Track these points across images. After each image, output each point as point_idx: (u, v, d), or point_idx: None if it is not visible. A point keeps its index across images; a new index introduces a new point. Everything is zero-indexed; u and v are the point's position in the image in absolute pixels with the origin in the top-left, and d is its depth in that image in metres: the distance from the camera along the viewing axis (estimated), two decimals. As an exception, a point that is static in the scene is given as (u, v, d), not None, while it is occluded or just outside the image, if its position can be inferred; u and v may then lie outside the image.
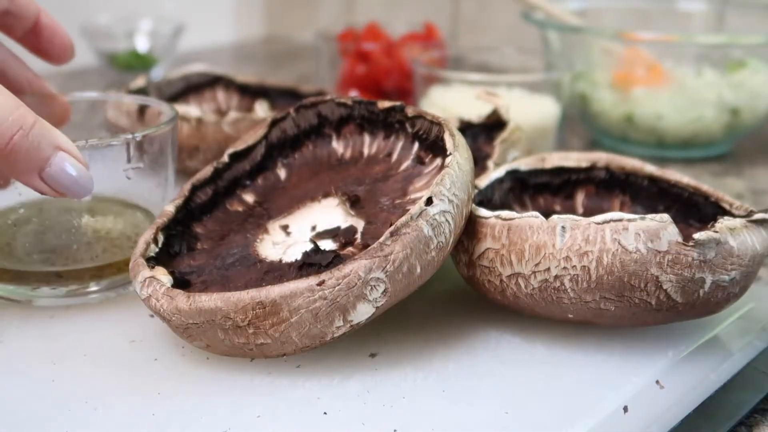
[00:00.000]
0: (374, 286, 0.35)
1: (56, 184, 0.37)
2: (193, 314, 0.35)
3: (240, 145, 0.47)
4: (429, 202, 0.36)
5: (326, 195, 0.44)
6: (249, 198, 0.47)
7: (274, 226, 0.44)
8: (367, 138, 0.47)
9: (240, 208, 0.46)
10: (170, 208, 0.44)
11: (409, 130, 0.44)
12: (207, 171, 0.46)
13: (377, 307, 0.35)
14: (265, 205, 0.46)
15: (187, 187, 0.46)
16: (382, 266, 0.35)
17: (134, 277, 0.39)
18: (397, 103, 0.45)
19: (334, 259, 0.38)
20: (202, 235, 0.45)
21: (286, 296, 0.34)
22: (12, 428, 0.34)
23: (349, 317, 0.35)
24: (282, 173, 0.48)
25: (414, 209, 0.36)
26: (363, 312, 0.35)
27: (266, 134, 0.48)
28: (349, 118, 0.47)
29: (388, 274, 0.35)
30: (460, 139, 0.41)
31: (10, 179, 0.43)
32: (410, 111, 0.44)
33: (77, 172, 0.37)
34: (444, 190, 0.37)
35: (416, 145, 0.44)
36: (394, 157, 0.45)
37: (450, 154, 0.39)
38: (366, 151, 0.46)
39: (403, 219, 0.35)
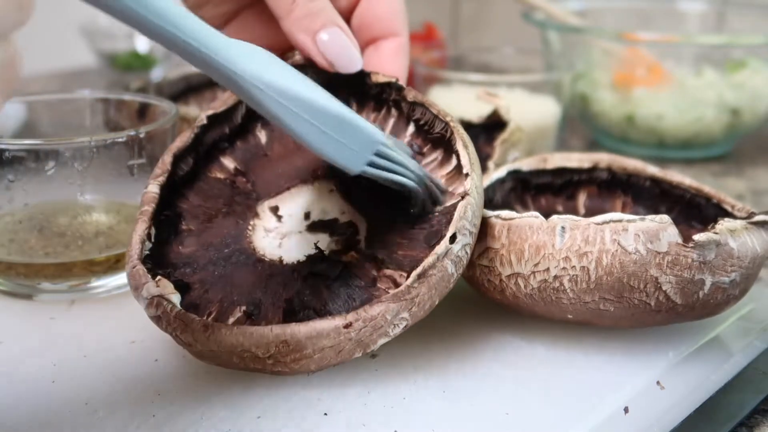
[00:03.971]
0: (397, 324, 0.35)
1: (328, 50, 0.40)
2: (211, 345, 0.34)
3: (219, 107, 0.44)
4: (453, 239, 0.35)
5: (317, 178, 0.42)
6: (229, 164, 0.44)
7: (263, 208, 0.42)
8: (354, 106, 0.44)
9: (221, 176, 0.44)
10: (154, 189, 0.41)
11: (405, 110, 0.43)
12: (186, 137, 0.43)
13: (395, 336, 0.35)
14: (249, 176, 0.44)
15: (168, 159, 0.42)
16: (408, 308, 0.35)
17: (136, 288, 0.37)
18: (393, 79, 0.43)
19: (342, 272, 0.37)
20: (186, 212, 0.42)
21: (312, 337, 0.33)
22: (12, 429, 0.34)
23: (368, 350, 0.35)
24: (262, 137, 0.45)
25: (440, 248, 0.35)
26: (381, 342, 0.35)
27: None
28: (336, 83, 0.43)
29: (412, 313, 0.35)
30: (472, 150, 0.39)
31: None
32: (410, 95, 0.42)
33: (351, 45, 0.41)
34: (467, 224, 0.36)
35: (411, 128, 0.42)
36: (386, 133, 0.42)
37: (467, 174, 0.38)
38: None
39: (430, 260, 0.35)
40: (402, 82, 0.43)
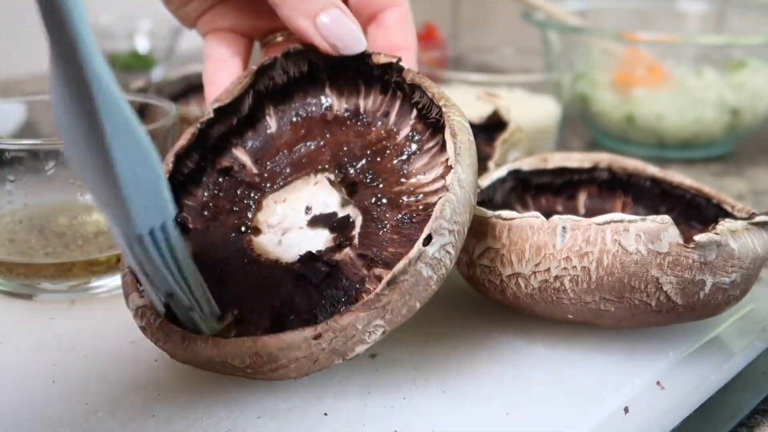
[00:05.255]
0: (372, 331, 0.33)
1: (330, 33, 0.39)
2: (189, 355, 0.34)
3: (225, 98, 0.43)
4: (428, 240, 0.33)
5: (322, 170, 0.41)
6: (239, 155, 0.43)
7: (268, 203, 0.41)
8: (362, 88, 0.43)
9: (229, 168, 0.43)
10: None
11: (408, 91, 0.41)
12: (190, 134, 0.42)
13: (374, 342, 0.34)
14: (257, 166, 0.43)
15: (170, 159, 0.41)
16: (381, 315, 0.33)
17: (126, 297, 0.37)
18: (394, 60, 0.41)
19: (329, 273, 0.36)
20: (192, 211, 0.42)
21: (283, 349, 0.33)
22: (12, 429, 0.34)
23: (348, 357, 0.34)
24: (272, 124, 0.44)
25: (412, 252, 0.33)
26: (360, 349, 0.34)
27: (253, 83, 0.43)
28: (340, 67, 0.42)
29: (387, 320, 0.33)
30: (463, 137, 0.37)
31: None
32: (409, 77, 0.40)
33: (353, 25, 0.39)
34: (444, 222, 0.34)
35: (414, 112, 0.41)
36: (392, 118, 0.42)
37: (451, 166, 0.35)
38: (362, 104, 0.43)
39: (400, 266, 0.33)
40: (412, 53, 0.43)
